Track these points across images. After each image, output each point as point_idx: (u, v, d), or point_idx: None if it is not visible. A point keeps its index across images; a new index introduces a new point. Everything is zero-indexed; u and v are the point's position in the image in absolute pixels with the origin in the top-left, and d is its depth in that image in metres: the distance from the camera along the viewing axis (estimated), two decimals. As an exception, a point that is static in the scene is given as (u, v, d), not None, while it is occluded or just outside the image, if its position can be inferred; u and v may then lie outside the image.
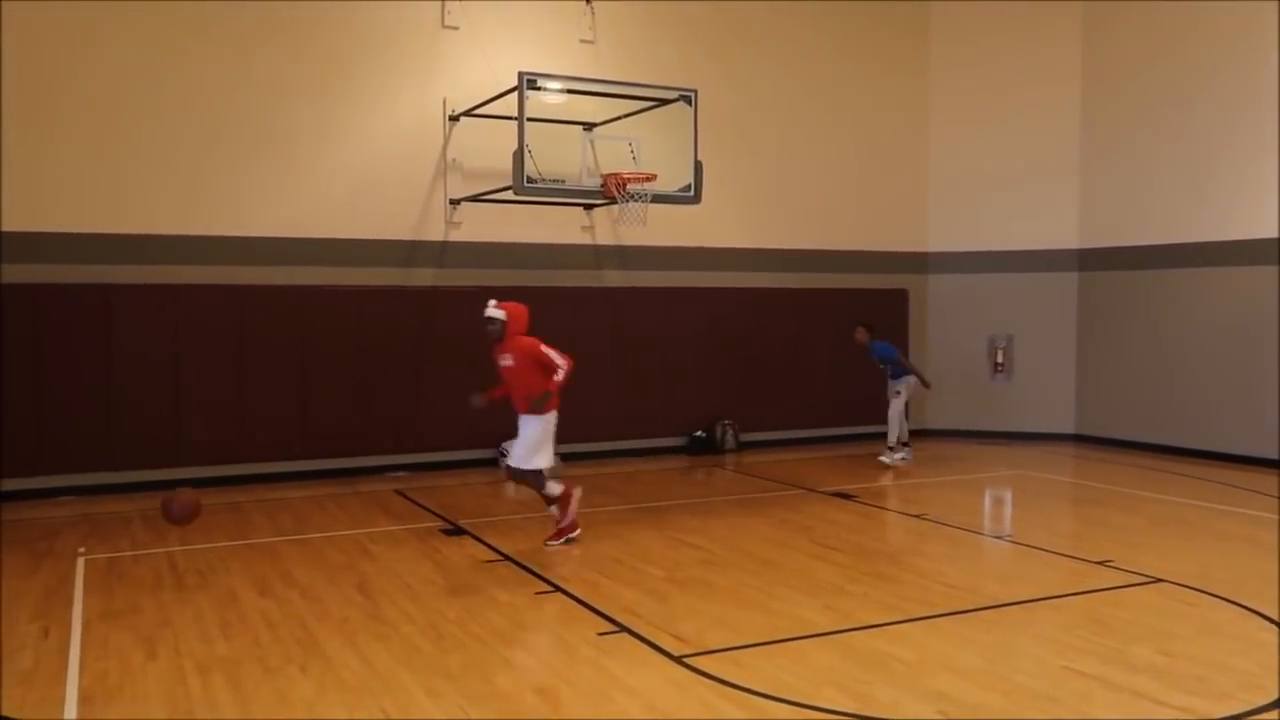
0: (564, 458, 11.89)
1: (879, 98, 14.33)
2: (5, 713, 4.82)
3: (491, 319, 7.97)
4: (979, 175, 14.36)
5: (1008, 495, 10.74)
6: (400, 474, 11.41)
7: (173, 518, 7.79)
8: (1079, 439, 13.96)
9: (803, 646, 5.70)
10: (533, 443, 7.91)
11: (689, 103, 10.43)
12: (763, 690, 4.99)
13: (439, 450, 11.73)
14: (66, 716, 4.77)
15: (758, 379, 13.56)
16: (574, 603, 6.54)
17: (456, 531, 8.62)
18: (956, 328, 14.56)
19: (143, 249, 10.52)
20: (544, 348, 7.87)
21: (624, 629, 5.98)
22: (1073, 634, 5.90)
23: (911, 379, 12.09)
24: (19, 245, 10.02)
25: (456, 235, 11.87)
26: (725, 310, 13.25)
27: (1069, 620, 6.21)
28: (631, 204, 9.99)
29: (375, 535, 8.53)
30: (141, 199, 10.51)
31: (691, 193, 10.50)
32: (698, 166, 10.48)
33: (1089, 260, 13.90)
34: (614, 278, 12.75)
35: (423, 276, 11.75)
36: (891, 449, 12.03)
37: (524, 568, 7.40)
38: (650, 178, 9.96)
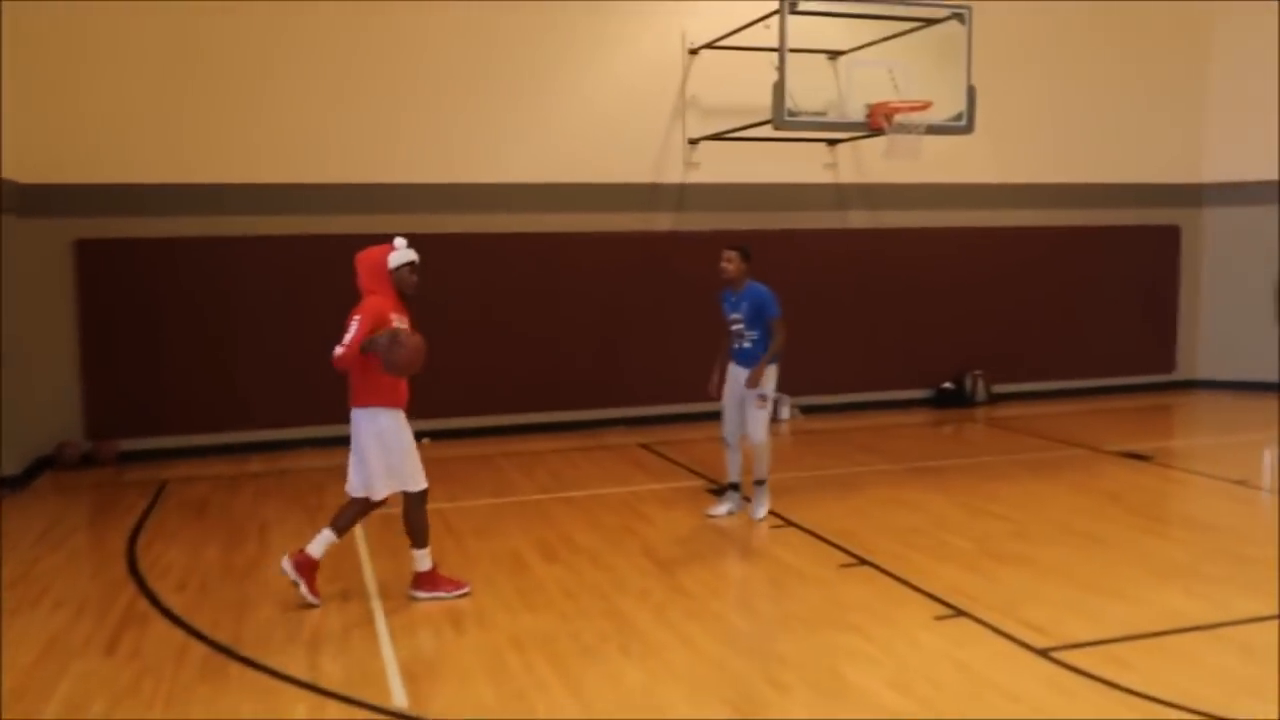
0: (804, 410, 11.28)
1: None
2: (326, 686, 4.58)
3: None
4: (1268, 95, 12.67)
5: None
6: (638, 427, 10.96)
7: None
8: (1384, 392, 12.32)
9: (1185, 642, 4.90)
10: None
11: (962, 21, 9.42)
12: (1166, 698, 4.25)
13: (681, 402, 11.25)
14: (395, 699, 4.48)
15: (1011, 326, 12.47)
16: (889, 579, 5.90)
17: (723, 491, 8.09)
18: (1236, 268, 12.99)
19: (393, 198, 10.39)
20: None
21: (961, 613, 5.31)
22: None
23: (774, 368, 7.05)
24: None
25: (695, 177, 11.26)
26: (975, 252, 12.18)
27: None
28: (900, 136, 9.12)
29: (640, 495, 8.10)
30: (378, 150, 10.34)
31: (963, 122, 9.54)
32: (971, 92, 9.49)
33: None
34: (858, 219, 11.89)
35: (661, 221, 11.21)
36: (736, 488, 7.41)
37: (816, 535, 6.81)
38: (924, 106, 9.06)
